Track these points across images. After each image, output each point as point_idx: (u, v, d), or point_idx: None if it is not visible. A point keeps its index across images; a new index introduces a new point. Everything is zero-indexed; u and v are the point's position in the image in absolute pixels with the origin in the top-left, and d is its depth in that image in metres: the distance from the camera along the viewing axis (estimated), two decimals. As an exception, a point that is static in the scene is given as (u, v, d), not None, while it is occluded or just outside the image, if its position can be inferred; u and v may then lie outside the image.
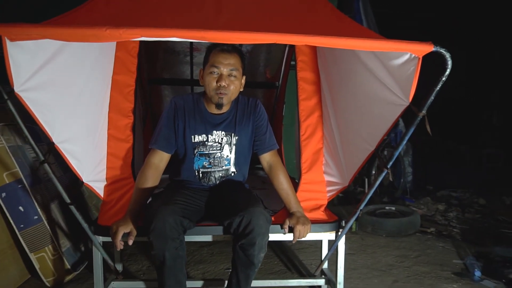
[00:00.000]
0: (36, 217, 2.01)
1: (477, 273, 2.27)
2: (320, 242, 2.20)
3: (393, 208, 3.44)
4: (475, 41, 8.15)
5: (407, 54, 1.16)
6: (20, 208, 1.97)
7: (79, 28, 0.96)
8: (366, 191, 4.14)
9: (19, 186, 2.00)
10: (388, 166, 1.42)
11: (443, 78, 1.12)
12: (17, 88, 1.13)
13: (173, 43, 2.94)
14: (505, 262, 2.27)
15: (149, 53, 2.93)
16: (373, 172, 4.19)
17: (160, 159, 1.71)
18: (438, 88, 1.15)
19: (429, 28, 8.09)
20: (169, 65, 3.10)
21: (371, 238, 3.03)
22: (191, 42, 2.83)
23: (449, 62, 1.09)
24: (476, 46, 8.24)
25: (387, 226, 3.07)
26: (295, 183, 1.97)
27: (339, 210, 3.76)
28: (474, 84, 8.42)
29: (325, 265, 2.16)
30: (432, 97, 1.18)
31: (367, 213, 3.29)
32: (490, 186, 4.85)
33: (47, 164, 1.33)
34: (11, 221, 1.95)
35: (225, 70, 1.64)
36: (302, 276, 2.32)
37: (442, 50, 1.08)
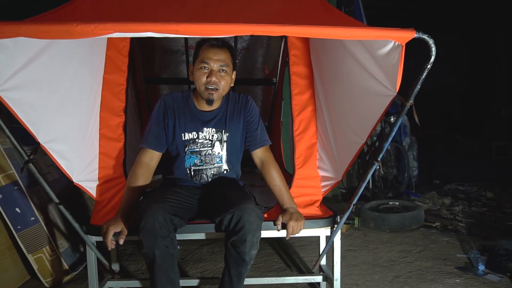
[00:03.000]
0: (33, 218, 2.02)
1: (481, 267, 2.22)
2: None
3: (397, 203, 3.39)
4: (479, 30, 8.00)
5: (391, 43, 1.12)
6: (17, 209, 1.99)
7: (51, 25, 0.95)
8: (371, 186, 4.10)
9: (15, 188, 2.01)
10: (379, 159, 1.39)
11: (428, 66, 1.08)
12: (-3, 88, 1.13)
13: (170, 42, 2.93)
14: (510, 255, 2.22)
15: (147, 53, 2.93)
16: (377, 167, 4.13)
17: (151, 157, 1.70)
18: (423, 77, 1.11)
19: (426, 19, 7.95)
20: (167, 64, 3.09)
21: (374, 233, 2.99)
22: (186, 40, 2.82)
23: (433, 49, 1.05)
24: (479, 35, 8.08)
25: (390, 222, 3.02)
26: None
27: (342, 206, 3.71)
28: (479, 75, 8.27)
29: (324, 262, 2.13)
30: (419, 86, 1.14)
31: (369, 209, 3.24)
32: (498, 179, 4.75)
33: (32, 164, 1.32)
34: (8, 223, 1.97)
35: (215, 66, 1.62)
36: (301, 273, 2.30)
37: (425, 36, 1.03)
